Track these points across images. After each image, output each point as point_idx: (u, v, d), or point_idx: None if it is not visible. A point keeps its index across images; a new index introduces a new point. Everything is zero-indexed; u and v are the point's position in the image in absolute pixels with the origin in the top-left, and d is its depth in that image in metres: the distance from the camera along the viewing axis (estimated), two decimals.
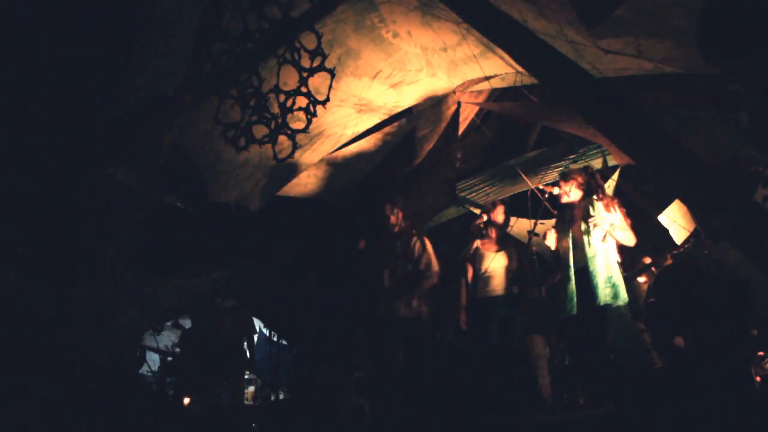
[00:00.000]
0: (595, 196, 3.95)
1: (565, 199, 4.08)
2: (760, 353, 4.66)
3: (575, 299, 3.77)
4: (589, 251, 3.76)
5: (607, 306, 3.63)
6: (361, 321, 4.36)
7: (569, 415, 3.39)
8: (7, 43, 3.62)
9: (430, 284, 4.22)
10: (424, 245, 4.33)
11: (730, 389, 2.83)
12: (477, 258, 4.66)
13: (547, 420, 3.24)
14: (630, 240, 3.80)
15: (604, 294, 3.63)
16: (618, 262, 3.81)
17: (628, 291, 3.79)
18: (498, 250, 4.66)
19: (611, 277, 3.68)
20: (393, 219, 4.39)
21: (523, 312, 4.42)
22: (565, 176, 4.14)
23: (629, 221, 3.88)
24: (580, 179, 4.06)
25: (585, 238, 3.81)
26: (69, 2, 3.71)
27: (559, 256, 4.05)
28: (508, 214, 4.87)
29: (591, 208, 3.89)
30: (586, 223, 3.84)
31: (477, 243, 4.57)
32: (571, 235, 3.95)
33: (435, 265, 4.26)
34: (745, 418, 2.55)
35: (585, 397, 3.91)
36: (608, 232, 3.74)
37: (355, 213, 6.38)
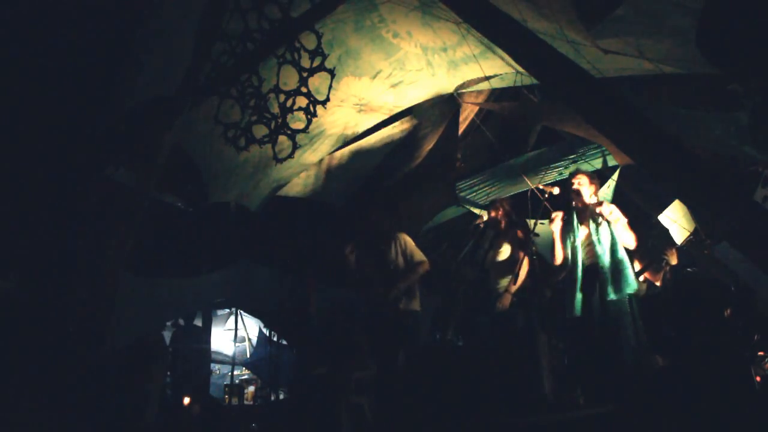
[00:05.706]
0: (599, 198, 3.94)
1: (581, 198, 3.96)
2: (760, 353, 4.67)
3: (580, 300, 3.78)
4: (599, 248, 3.78)
5: (613, 301, 3.64)
6: (361, 320, 4.36)
7: (569, 415, 3.39)
8: (7, 43, 3.63)
9: (423, 271, 4.33)
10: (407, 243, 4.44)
11: (730, 389, 2.83)
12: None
13: (547, 420, 3.24)
14: (631, 241, 3.80)
15: (615, 288, 3.65)
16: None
17: None
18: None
19: (623, 270, 3.69)
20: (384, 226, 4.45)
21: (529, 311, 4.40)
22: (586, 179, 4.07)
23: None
24: (591, 181, 4.02)
25: (594, 236, 3.82)
26: (69, 2, 3.71)
27: (564, 255, 4.02)
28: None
29: (597, 211, 3.87)
30: (595, 221, 3.84)
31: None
32: (579, 234, 3.93)
33: (422, 256, 4.36)
34: (745, 418, 2.55)
35: (585, 397, 3.91)
36: (611, 222, 3.74)
37: (354, 213, 6.38)
